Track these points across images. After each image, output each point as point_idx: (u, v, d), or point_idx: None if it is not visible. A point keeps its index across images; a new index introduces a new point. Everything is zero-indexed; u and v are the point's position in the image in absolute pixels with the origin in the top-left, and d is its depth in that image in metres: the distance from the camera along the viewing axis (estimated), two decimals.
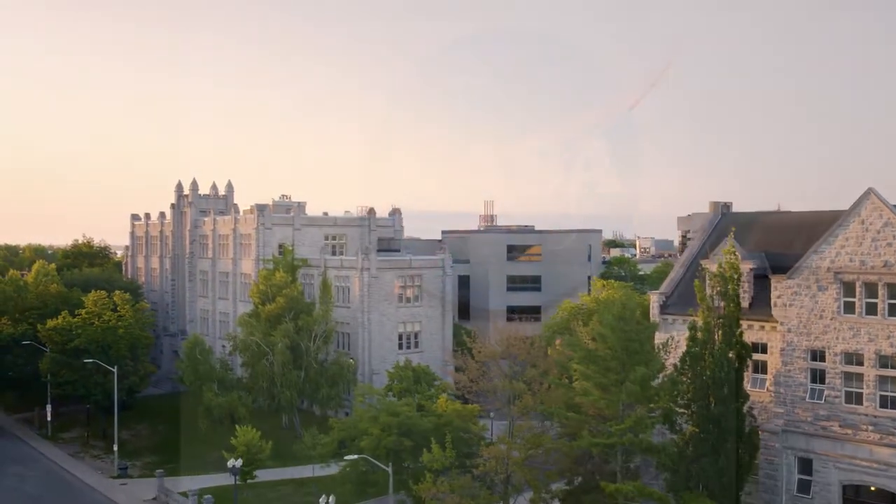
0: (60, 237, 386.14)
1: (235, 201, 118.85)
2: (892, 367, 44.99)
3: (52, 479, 72.62)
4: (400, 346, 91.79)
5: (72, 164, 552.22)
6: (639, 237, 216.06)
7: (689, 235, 62.04)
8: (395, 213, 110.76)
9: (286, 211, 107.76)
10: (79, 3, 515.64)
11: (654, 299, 55.67)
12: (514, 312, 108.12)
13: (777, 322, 49.37)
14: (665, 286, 56.95)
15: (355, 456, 49.49)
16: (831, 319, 47.04)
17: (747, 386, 48.72)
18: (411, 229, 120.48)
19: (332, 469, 59.89)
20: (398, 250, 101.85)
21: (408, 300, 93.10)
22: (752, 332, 50.06)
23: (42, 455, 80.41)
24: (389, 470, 47.68)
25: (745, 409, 46.68)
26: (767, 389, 50.17)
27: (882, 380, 45.36)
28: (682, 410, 46.32)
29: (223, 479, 67.97)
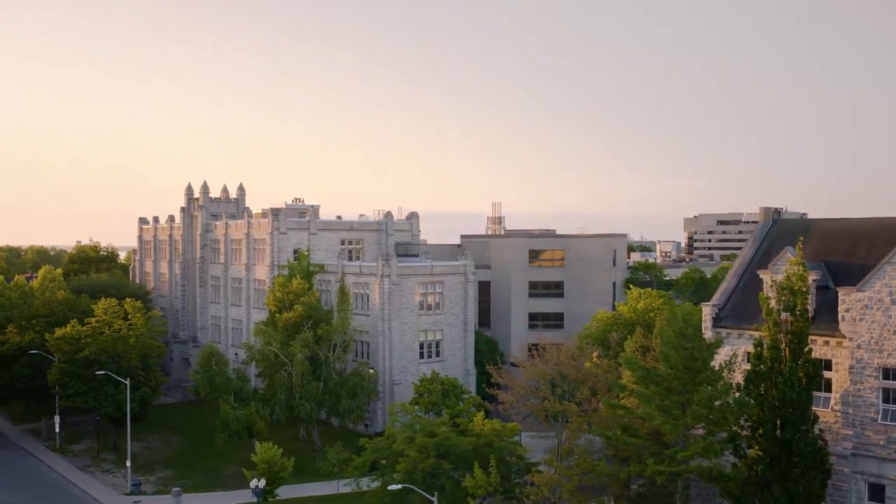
0: (61, 238, 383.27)
1: (247, 205, 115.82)
2: None
3: (61, 496, 69.26)
4: (421, 356, 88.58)
5: (72, 165, 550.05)
6: (659, 241, 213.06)
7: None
8: (413, 216, 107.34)
9: (299, 215, 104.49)
10: (89, 4, 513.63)
11: (707, 312, 52.31)
12: (535, 319, 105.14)
13: (844, 337, 46.02)
14: (717, 297, 53.55)
15: (398, 486, 45.81)
16: None
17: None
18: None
19: (356, 484, 56.41)
20: (417, 255, 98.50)
21: (429, 308, 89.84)
22: (815, 349, 46.55)
23: (50, 468, 77.16)
24: (434, 500, 44.11)
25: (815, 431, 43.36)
26: (832, 409, 46.79)
27: None
28: (746, 433, 43.03)
29: (242, 497, 65.15)
